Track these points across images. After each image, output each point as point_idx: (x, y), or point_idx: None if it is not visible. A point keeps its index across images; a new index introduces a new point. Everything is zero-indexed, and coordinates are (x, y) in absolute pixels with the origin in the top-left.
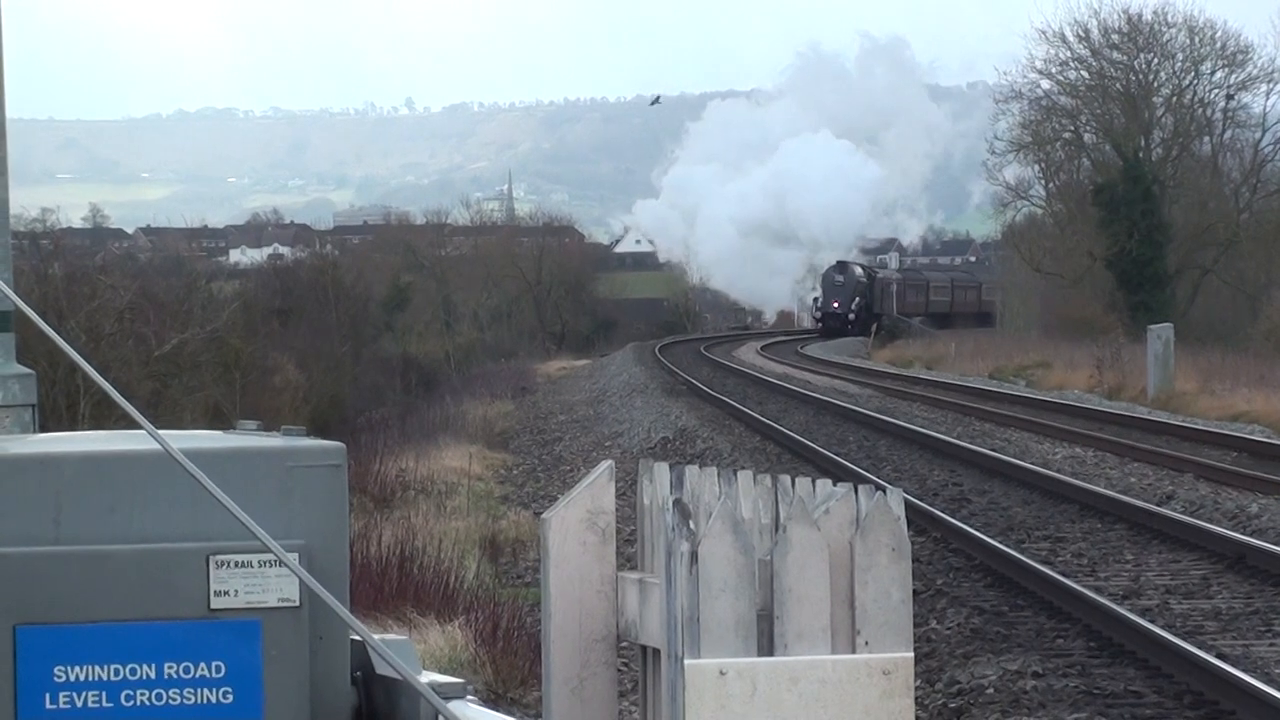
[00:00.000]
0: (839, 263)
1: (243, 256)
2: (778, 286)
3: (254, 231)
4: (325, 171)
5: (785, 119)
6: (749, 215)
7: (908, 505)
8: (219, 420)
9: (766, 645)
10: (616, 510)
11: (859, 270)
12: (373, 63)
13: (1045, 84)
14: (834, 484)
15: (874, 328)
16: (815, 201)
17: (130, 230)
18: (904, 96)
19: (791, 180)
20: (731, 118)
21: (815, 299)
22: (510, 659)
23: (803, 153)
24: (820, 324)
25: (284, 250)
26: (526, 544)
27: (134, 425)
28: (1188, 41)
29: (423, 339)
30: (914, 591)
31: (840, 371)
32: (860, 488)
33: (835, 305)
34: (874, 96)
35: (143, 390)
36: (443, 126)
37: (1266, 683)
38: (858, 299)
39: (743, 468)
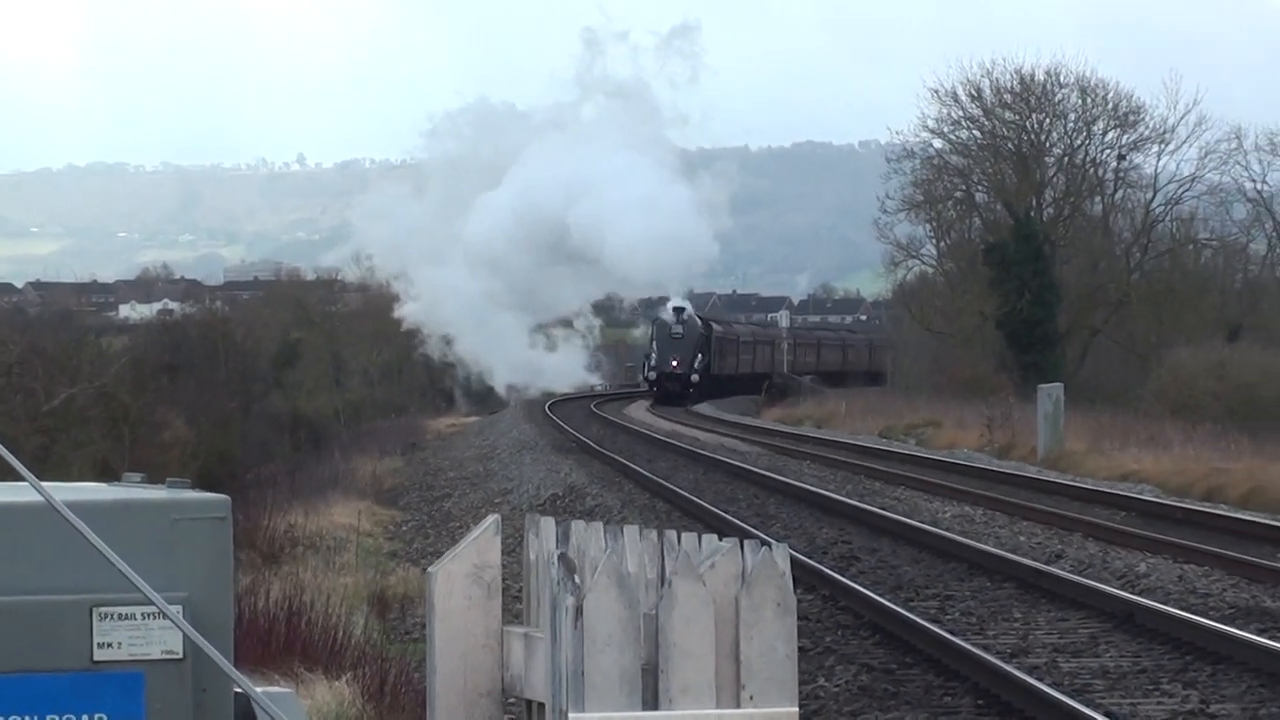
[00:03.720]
0: (676, 308)
1: (132, 312)
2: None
3: (144, 287)
4: (216, 227)
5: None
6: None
7: (797, 563)
8: (107, 476)
9: (651, 699)
10: (504, 565)
11: (699, 320)
12: (264, 119)
13: (937, 143)
14: (719, 539)
15: (764, 385)
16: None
17: (19, 285)
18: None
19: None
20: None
21: (647, 355)
22: (397, 714)
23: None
24: (654, 387)
25: (174, 306)
26: (415, 600)
27: (18, 478)
28: (1080, 102)
29: (312, 395)
30: (802, 649)
31: (730, 429)
32: (746, 543)
33: (674, 363)
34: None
35: (30, 445)
36: (334, 183)
37: None
38: (700, 356)
39: (630, 523)
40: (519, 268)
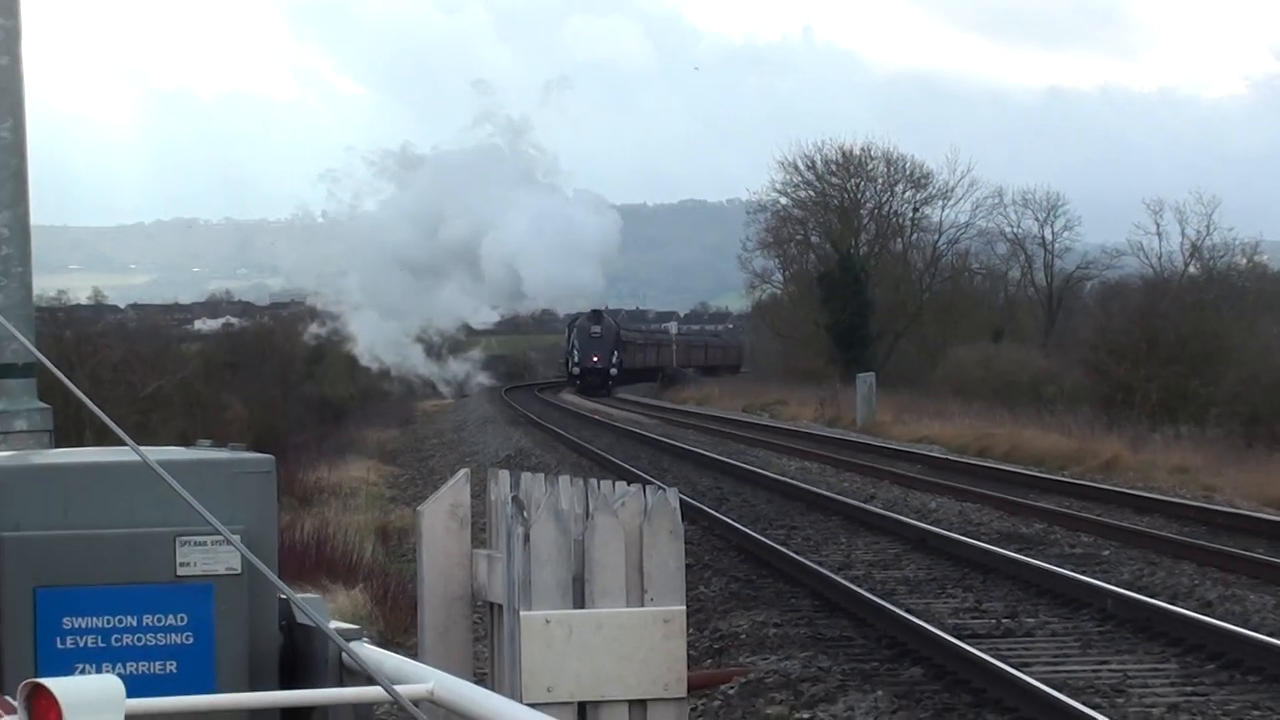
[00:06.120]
0: (594, 311)
1: (203, 325)
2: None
3: (212, 307)
4: (264, 263)
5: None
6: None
7: (684, 502)
8: (186, 443)
9: (579, 601)
10: (471, 504)
11: (614, 323)
12: (296, 184)
13: (783, 200)
14: (628, 485)
15: (659, 376)
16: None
17: (122, 306)
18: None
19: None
20: None
21: (570, 352)
22: (396, 614)
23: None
24: (579, 380)
25: (233, 320)
26: (408, 531)
27: (121, 444)
28: (885, 169)
29: (334, 384)
30: (688, 565)
31: (635, 408)
32: (646, 488)
33: (595, 360)
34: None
35: (130, 422)
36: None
37: (940, 629)
38: (616, 352)
39: (563, 474)
40: (400, 285)
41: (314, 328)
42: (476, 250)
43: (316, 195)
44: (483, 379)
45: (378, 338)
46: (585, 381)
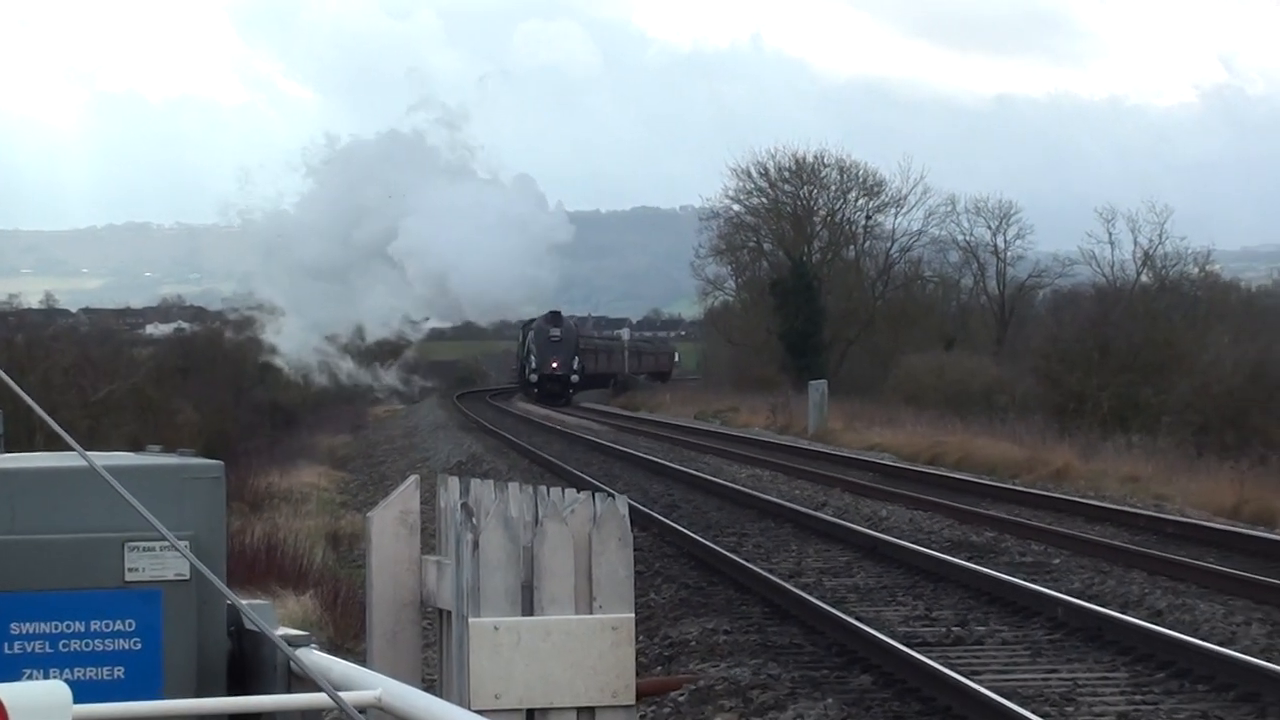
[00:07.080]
0: (551, 313)
1: (155, 330)
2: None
3: (164, 311)
4: (216, 268)
5: None
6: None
7: (633, 509)
8: (136, 448)
9: (528, 608)
10: (421, 511)
11: (573, 326)
12: (251, 193)
13: (736, 207)
14: (578, 492)
15: (611, 382)
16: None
17: (74, 310)
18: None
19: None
20: None
21: (525, 358)
22: (346, 619)
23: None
24: (536, 388)
25: (185, 325)
26: (358, 537)
27: (69, 449)
28: (838, 177)
29: (286, 389)
30: (638, 571)
31: (587, 415)
32: (596, 495)
33: (554, 365)
34: None
35: (81, 426)
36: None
37: (890, 636)
38: (577, 358)
39: (514, 481)
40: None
41: (229, 334)
42: (400, 247)
43: (244, 197)
44: (423, 383)
45: (300, 346)
46: (544, 389)
